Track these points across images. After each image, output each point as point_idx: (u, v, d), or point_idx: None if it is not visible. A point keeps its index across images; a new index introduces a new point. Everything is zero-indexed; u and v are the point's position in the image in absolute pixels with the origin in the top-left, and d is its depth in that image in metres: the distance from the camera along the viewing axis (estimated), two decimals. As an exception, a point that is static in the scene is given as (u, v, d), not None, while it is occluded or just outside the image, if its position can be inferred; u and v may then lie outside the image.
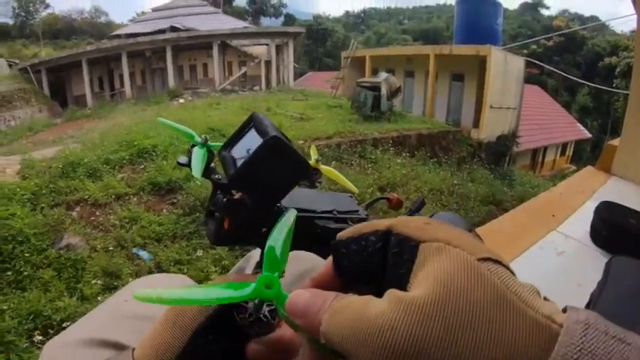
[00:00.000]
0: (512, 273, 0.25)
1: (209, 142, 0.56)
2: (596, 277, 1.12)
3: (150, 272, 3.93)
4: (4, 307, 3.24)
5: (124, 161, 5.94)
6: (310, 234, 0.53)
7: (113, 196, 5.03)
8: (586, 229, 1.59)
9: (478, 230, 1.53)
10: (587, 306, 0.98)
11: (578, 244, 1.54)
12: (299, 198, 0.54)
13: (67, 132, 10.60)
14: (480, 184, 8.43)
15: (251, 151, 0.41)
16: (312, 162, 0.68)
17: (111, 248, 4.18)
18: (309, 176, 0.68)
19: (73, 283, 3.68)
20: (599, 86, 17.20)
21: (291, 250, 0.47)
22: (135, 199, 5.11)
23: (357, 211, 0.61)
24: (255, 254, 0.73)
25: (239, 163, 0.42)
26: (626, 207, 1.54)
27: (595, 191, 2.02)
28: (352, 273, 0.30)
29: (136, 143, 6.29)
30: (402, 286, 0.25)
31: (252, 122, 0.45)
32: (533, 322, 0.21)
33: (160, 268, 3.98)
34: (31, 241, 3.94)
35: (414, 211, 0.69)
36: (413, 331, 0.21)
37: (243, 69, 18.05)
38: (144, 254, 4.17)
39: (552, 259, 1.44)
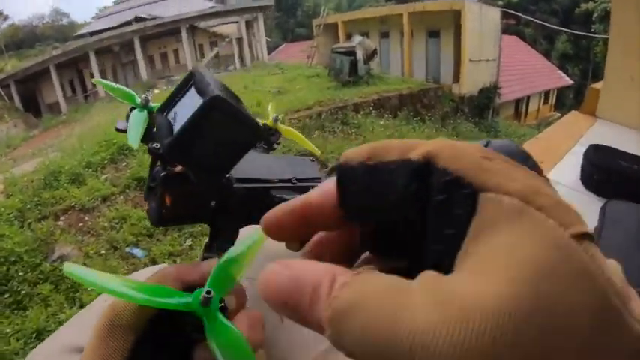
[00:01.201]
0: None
1: (151, 104, 0.46)
2: (591, 223, 1.10)
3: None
4: (8, 330, 3.23)
5: (106, 161, 5.84)
6: (266, 208, 0.46)
7: (99, 199, 4.96)
8: (576, 175, 1.57)
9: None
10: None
11: (568, 191, 1.51)
12: (251, 166, 0.46)
13: (45, 142, 10.38)
14: (465, 139, 8.40)
15: (189, 114, 0.33)
16: (269, 122, 0.60)
17: (104, 251, 4.15)
18: (266, 139, 0.59)
19: (71, 293, 3.66)
20: (578, 32, 17.15)
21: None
22: (121, 197, 5.04)
23: (319, 178, 0.51)
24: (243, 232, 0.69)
25: (176, 129, 0.35)
26: (616, 149, 1.52)
27: (582, 135, 2.00)
28: (363, 218, 0.20)
29: (115, 142, 6.16)
30: (450, 254, 0.16)
31: (191, 79, 0.37)
32: (632, 339, 0.13)
33: (154, 263, 3.96)
34: (24, 258, 3.90)
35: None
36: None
37: (215, 50, 17.67)
38: (137, 252, 4.15)
39: (545, 208, 1.42)
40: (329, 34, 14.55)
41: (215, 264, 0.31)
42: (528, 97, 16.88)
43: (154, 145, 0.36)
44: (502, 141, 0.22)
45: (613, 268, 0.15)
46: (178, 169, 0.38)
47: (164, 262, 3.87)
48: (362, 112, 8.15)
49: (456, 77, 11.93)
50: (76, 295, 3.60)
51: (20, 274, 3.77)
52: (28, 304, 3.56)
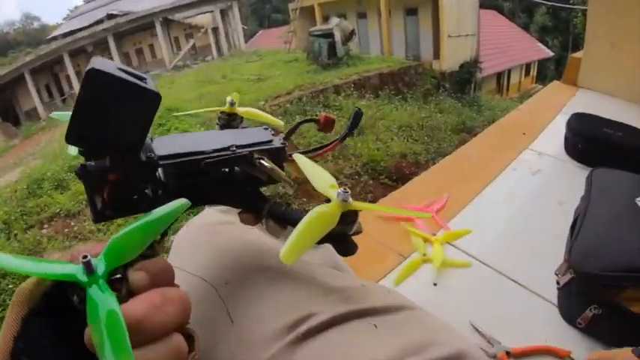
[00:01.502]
0: None
1: None
2: (577, 192, 1.09)
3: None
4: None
5: (88, 164, 5.77)
6: (203, 182, 0.43)
7: (84, 202, 4.89)
8: (560, 144, 1.56)
9: (449, 157, 1.48)
10: (574, 225, 0.95)
11: (553, 160, 1.51)
12: (182, 142, 0.43)
13: (26, 150, 10.19)
14: (448, 114, 8.43)
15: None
16: (226, 107, 0.58)
17: (93, 256, 4.11)
18: (228, 125, 0.57)
19: (64, 300, 3.63)
20: (556, 4, 17.14)
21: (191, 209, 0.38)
22: (107, 200, 5.00)
23: (271, 141, 0.48)
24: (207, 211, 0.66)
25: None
26: (598, 116, 1.51)
27: (564, 105, 2.00)
28: None
29: (94, 142, 6.10)
30: None
31: (89, 67, 0.33)
32: None
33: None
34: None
35: (351, 128, 0.60)
36: None
37: (191, 41, 17.38)
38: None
39: (529, 179, 1.41)
40: (305, 17, 14.37)
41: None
42: (509, 71, 16.92)
43: (71, 148, 0.35)
44: None
45: None
46: (92, 162, 0.35)
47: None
48: (343, 94, 8.09)
49: (436, 54, 11.89)
50: (68, 302, 3.57)
51: (10, 287, 3.71)
52: (21, 316, 3.52)
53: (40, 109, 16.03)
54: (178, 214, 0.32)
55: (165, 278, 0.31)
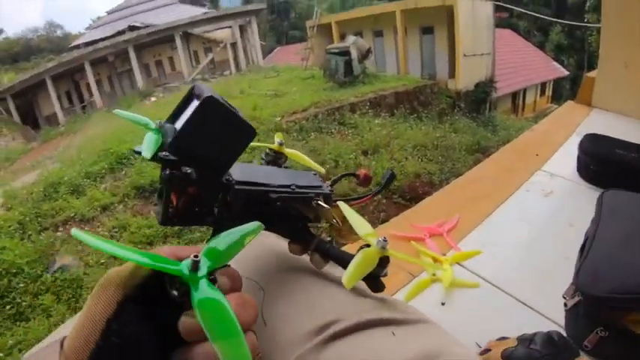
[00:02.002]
0: None
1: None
2: (588, 214, 1.08)
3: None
4: (11, 342, 3.23)
5: (104, 171, 5.86)
6: (267, 210, 0.48)
7: (99, 208, 4.98)
8: (572, 166, 1.55)
9: (462, 178, 1.49)
10: (583, 246, 0.95)
11: (565, 182, 1.50)
12: (253, 172, 0.50)
13: (43, 154, 10.40)
14: (463, 134, 8.42)
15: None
16: (275, 146, 0.64)
17: (104, 260, 4.15)
18: (274, 162, 0.64)
19: (73, 303, 3.66)
20: (571, 22, 17.10)
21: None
22: (121, 206, 5.05)
23: (321, 186, 0.56)
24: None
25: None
26: (611, 138, 1.50)
27: (578, 125, 1.99)
28: None
29: (113, 151, 6.19)
30: None
31: (192, 91, 0.41)
32: None
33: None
34: (25, 270, 3.91)
35: (384, 186, 0.64)
36: None
37: (210, 56, 17.66)
38: (137, 260, 4.15)
39: (540, 201, 1.40)
40: (323, 35, 14.54)
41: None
42: (525, 90, 16.84)
43: (163, 154, 0.40)
44: None
45: None
46: (182, 170, 0.40)
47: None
48: (358, 112, 8.13)
49: (452, 73, 11.91)
50: (77, 305, 3.61)
51: (21, 285, 3.77)
52: (30, 315, 3.57)
53: (60, 114, 16.36)
54: (256, 233, 0.36)
55: (238, 284, 0.35)
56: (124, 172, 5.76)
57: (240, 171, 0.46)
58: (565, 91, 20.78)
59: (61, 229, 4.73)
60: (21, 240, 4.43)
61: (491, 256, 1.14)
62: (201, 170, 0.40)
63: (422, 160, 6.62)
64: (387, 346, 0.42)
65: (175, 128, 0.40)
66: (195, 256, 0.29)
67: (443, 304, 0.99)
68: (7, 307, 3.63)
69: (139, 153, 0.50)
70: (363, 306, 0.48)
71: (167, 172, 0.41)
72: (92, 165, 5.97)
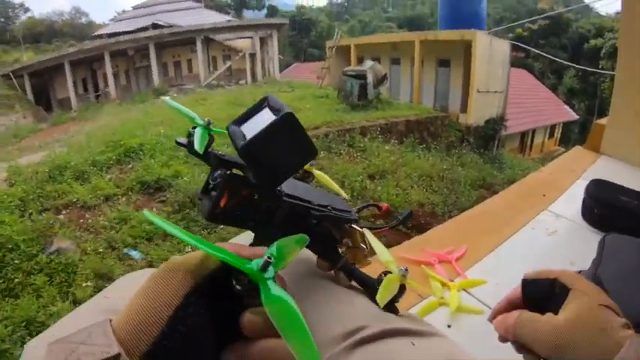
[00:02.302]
0: (616, 310, 0.42)
1: (211, 126, 0.56)
2: (589, 255, 1.11)
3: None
4: (-3, 317, 3.19)
5: (112, 162, 5.88)
6: (304, 225, 0.52)
7: (102, 198, 4.99)
8: (577, 208, 1.59)
9: (471, 210, 1.52)
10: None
11: (569, 223, 1.53)
12: (295, 187, 0.53)
13: (53, 136, 10.44)
14: (469, 169, 8.46)
15: (263, 125, 0.40)
16: (306, 166, 0.68)
17: (101, 250, 4.14)
18: (303, 179, 0.68)
19: (65, 287, 3.64)
20: (586, 68, 17.26)
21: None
22: (124, 199, 5.06)
23: (350, 212, 0.60)
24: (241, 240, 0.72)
25: (248, 136, 0.42)
26: (617, 184, 1.54)
27: (585, 170, 2.02)
28: (534, 301, 0.48)
29: (122, 143, 6.22)
30: (558, 307, 0.44)
31: (265, 102, 0.45)
32: (612, 343, 0.38)
33: (151, 267, 3.94)
34: (20, 247, 3.89)
35: (402, 222, 0.69)
36: (564, 338, 0.40)
37: (228, 63, 17.88)
38: (135, 254, 4.13)
39: (544, 239, 1.44)
40: (341, 56, 14.71)
41: (265, 249, 0.33)
42: (534, 131, 16.95)
43: (219, 152, 0.45)
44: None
45: (618, 317, 0.41)
46: (241, 173, 0.44)
47: (161, 266, 3.87)
48: (368, 136, 8.20)
49: (464, 107, 12.01)
50: (69, 290, 3.59)
51: (16, 262, 3.75)
52: (21, 293, 3.54)
53: (74, 100, 16.51)
54: (304, 245, 0.38)
55: (285, 287, 0.37)
56: (130, 165, 5.79)
57: (286, 184, 0.48)
58: (574, 134, 20.89)
59: (64, 212, 4.73)
60: (20, 217, 4.41)
61: (496, 286, 1.18)
62: (261, 178, 0.43)
63: (427, 190, 6.65)
64: (408, 355, 0.47)
65: (244, 133, 0.43)
66: (269, 257, 0.31)
67: (449, 326, 1.03)
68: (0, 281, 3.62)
69: (181, 144, 0.55)
70: (386, 316, 0.52)
71: (227, 171, 0.44)
72: (100, 154, 5.99)
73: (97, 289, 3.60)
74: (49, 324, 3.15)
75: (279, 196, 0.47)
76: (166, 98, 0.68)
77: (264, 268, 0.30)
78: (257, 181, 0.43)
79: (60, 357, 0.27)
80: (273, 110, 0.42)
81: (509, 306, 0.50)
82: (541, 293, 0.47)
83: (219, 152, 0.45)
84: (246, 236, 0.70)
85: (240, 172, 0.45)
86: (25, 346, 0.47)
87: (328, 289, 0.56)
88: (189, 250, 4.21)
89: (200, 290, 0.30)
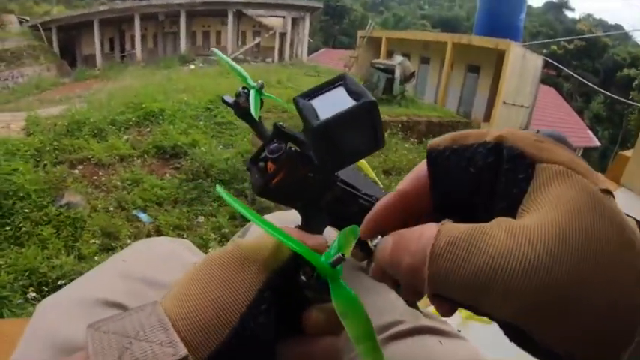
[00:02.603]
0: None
1: (263, 90, 0.55)
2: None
3: (148, 235, 3.93)
4: (1, 262, 3.25)
5: (130, 123, 5.92)
6: (348, 212, 0.49)
7: (117, 157, 5.03)
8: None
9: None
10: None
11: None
12: (348, 172, 0.50)
13: (74, 91, 10.53)
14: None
15: (342, 108, 0.37)
16: None
17: (111, 209, 4.18)
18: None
19: (71, 242, 3.69)
20: (615, 96, 16.93)
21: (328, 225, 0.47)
22: (139, 161, 5.10)
23: None
24: (253, 227, 0.70)
25: (321, 114, 0.38)
26: (635, 219, 1.51)
27: (604, 200, 1.99)
28: (450, 193, 0.27)
29: (143, 106, 6.25)
30: (513, 208, 0.23)
31: (340, 81, 0.41)
32: None
33: (159, 232, 3.99)
34: (31, 197, 3.94)
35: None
36: (542, 270, 0.20)
37: (257, 39, 17.82)
38: (144, 217, 4.17)
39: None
40: (371, 47, 14.58)
41: (324, 238, 0.32)
42: (553, 152, 16.72)
43: (280, 124, 0.43)
44: (550, 130, 0.26)
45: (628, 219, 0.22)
46: (307, 151, 0.41)
47: (168, 233, 3.90)
48: (388, 132, 8.14)
49: (487, 116, 11.87)
50: (75, 245, 3.63)
51: (25, 211, 3.80)
52: (27, 242, 3.59)
53: (99, 58, 16.59)
54: (357, 236, 0.34)
55: None
56: (149, 129, 5.81)
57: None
58: (593, 161, 20.59)
59: (78, 167, 4.78)
60: (35, 167, 4.46)
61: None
62: (326, 161, 0.41)
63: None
64: (438, 353, 0.47)
65: (315, 110, 0.39)
66: (342, 254, 0.28)
67: (459, 331, 1.04)
68: (7, 227, 3.66)
69: (227, 103, 0.53)
70: (416, 312, 0.52)
71: (288, 147, 0.42)
72: (119, 114, 6.03)
73: (103, 248, 3.65)
74: (51, 276, 3.22)
75: (335, 180, 0.46)
76: (216, 50, 0.67)
77: (336, 263, 0.28)
78: (320, 163, 0.41)
79: (112, 354, 0.24)
80: (351, 93, 0.39)
81: (401, 208, 0.30)
82: (472, 177, 0.26)
83: (280, 123, 0.42)
84: (285, 215, 0.69)
85: (296, 148, 0.42)
86: (39, 304, 0.47)
87: (364, 280, 0.55)
88: (200, 220, 4.25)
89: (273, 284, 0.28)
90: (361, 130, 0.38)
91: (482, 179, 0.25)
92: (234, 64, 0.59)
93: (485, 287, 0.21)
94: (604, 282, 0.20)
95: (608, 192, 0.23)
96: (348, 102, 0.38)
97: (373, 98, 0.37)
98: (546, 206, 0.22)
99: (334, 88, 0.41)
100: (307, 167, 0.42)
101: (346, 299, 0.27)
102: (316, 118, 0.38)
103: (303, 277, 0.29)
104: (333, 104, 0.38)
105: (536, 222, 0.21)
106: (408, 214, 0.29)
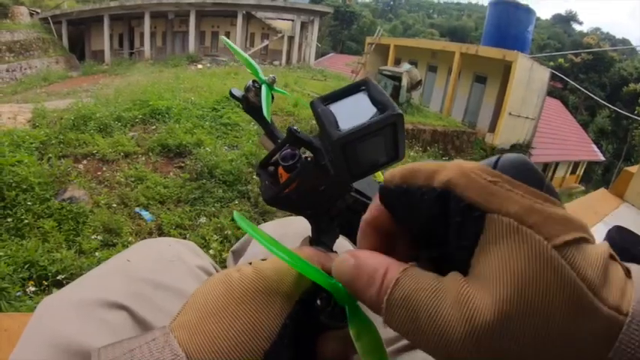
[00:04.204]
0: (589, 238, 0.22)
1: (274, 85, 0.52)
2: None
3: (150, 233, 3.93)
4: (1, 254, 3.23)
5: (136, 120, 5.93)
6: (353, 220, 0.46)
7: (122, 154, 5.03)
8: (595, 252, 1.56)
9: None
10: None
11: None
12: (363, 181, 0.48)
13: (81, 85, 10.56)
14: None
15: (364, 118, 0.35)
16: None
17: (114, 205, 4.18)
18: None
19: (72, 236, 3.68)
20: (621, 111, 16.91)
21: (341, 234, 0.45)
22: (143, 158, 5.10)
23: None
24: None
25: (341, 123, 0.36)
26: (638, 235, 1.51)
27: (607, 215, 1.98)
28: (405, 225, 0.27)
29: (149, 103, 6.27)
30: (465, 259, 0.22)
31: (363, 86, 0.38)
32: (603, 318, 0.19)
33: (160, 230, 3.98)
34: (35, 189, 3.93)
35: None
36: (480, 346, 0.20)
37: (266, 42, 17.89)
38: (146, 214, 4.17)
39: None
40: (378, 54, 14.63)
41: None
42: (557, 164, 16.70)
43: (295, 128, 0.39)
44: (512, 156, 0.23)
45: (595, 256, 0.20)
46: (324, 161, 0.39)
47: (170, 232, 3.90)
48: (394, 139, 8.15)
49: (493, 127, 11.88)
50: (76, 239, 3.62)
51: (28, 203, 3.80)
52: (28, 234, 3.57)
53: (107, 53, 16.68)
54: None
55: None
56: (154, 126, 5.82)
57: None
58: (596, 175, 20.58)
59: (84, 162, 4.79)
60: (39, 160, 4.45)
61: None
62: (343, 171, 0.38)
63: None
64: None
65: (335, 117, 0.37)
66: None
67: None
68: (9, 219, 3.66)
69: (236, 97, 0.50)
70: None
71: (303, 155, 0.40)
72: (126, 110, 6.04)
73: (104, 244, 3.65)
74: (51, 269, 3.21)
75: (349, 190, 0.44)
76: (224, 38, 0.63)
77: None
78: (336, 174, 0.38)
79: None
80: (376, 102, 0.36)
81: (376, 233, 0.28)
82: (420, 218, 0.25)
83: (295, 127, 0.39)
84: (292, 221, 0.68)
85: (310, 155, 0.40)
86: (41, 302, 0.46)
87: None
88: (202, 220, 4.25)
89: (295, 316, 0.28)
90: (384, 142, 0.36)
91: (429, 222, 0.24)
92: (244, 53, 0.56)
93: (431, 349, 0.22)
94: (557, 355, 0.20)
95: (569, 243, 0.20)
96: (371, 112, 0.35)
97: (399, 111, 0.35)
98: (494, 271, 0.20)
99: (356, 93, 0.38)
100: (322, 178, 0.39)
101: (362, 324, 0.27)
102: (336, 127, 0.35)
103: (318, 302, 0.29)
104: (354, 113, 0.36)
105: (482, 292, 0.20)
106: (386, 234, 0.28)
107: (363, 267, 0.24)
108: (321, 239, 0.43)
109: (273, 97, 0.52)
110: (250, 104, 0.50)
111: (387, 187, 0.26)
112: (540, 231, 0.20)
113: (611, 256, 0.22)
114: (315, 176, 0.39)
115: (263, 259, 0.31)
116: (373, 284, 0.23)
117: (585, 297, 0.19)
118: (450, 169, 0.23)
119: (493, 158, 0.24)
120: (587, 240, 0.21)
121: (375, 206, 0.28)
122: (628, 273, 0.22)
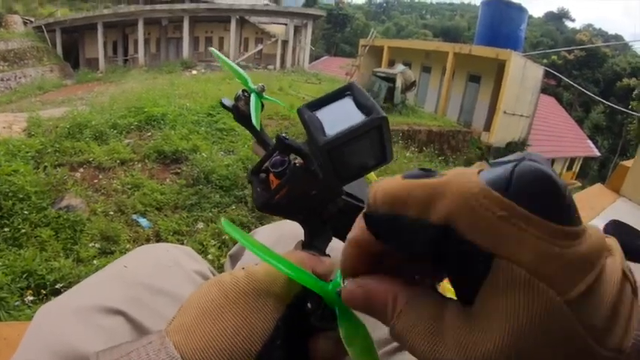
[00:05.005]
0: (604, 266, 0.19)
1: (264, 94, 0.52)
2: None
3: (148, 240, 3.93)
4: (-2, 263, 3.23)
5: (132, 127, 5.93)
6: (351, 222, 0.49)
7: (118, 161, 5.03)
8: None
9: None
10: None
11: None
12: (355, 183, 0.48)
13: (76, 93, 10.54)
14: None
15: (350, 123, 0.35)
16: None
17: (111, 213, 4.17)
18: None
19: (70, 245, 3.67)
20: (615, 106, 16.97)
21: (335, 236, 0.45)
22: (139, 165, 5.10)
23: None
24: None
25: (327, 128, 0.36)
26: (635, 229, 1.52)
27: (603, 209, 1.99)
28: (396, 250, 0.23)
29: (145, 110, 6.26)
30: (468, 295, 0.20)
31: (348, 91, 0.39)
32: None
33: (158, 237, 3.98)
34: (31, 198, 3.93)
35: None
36: None
37: (260, 46, 17.89)
38: (143, 221, 4.16)
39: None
40: (372, 56, 14.65)
41: (336, 263, 0.31)
42: (553, 160, 16.75)
43: (283, 135, 0.40)
44: (530, 172, 0.19)
45: (607, 296, 0.19)
46: (313, 167, 0.39)
47: (168, 238, 3.90)
48: (389, 140, 8.17)
49: (488, 125, 11.91)
50: (74, 248, 3.62)
51: (25, 212, 3.79)
52: (25, 243, 3.57)
53: (102, 60, 16.65)
54: None
55: None
56: (150, 133, 5.82)
57: None
58: (592, 171, 20.64)
59: (81, 170, 4.78)
60: (35, 169, 4.45)
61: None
62: (331, 176, 0.38)
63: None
64: None
65: (322, 123, 0.38)
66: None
67: None
68: (6, 228, 3.65)
69: (226, 107, 0.51)
70: None
71: (292, 162, 0.40)
72: (121, 118, 6.04)
73: (102, 252, 3.64)
74: (49, 278, 3.21)
75: (339, 193, 0.44)
76: (215, 50, 0.65)
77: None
78: (326, 178, 0.39)
79: None
80: (361, 107, 0.37)
81: (363, 255, 0.25)
82: (412, 249, 0.22)
83: (284, 135, 0.40)
84: (285, 225, 0.68)
85: (300, 161, 0.40)
86: (39, 309, 0.46)
87: None
88: (200, 226, 4.24)
89: (286, 318, 0.29)
90: (370, 146, 0.36)
91: (429, 254, 0.21)
92: (233, 64, 0.57)
93: None
94: None
95: (584, 294, 0.18)
96: (357, 116, 0.36)
97: (384, 114, 0.36)
98: (499, 320, 0.19)
99: (341, 98, 0.39)
100: (312, 183, 0.40)
101: (352, 326, 0.27)
102: (323, 133, 0.36)
103: (309, 305, 0.30)
104: (340, 118, 0.37)
105: (484, 337, 0.19)
106: (372, 254, 0.25)
107: (373, 299, 0.24)
108: (313, 243, 0.43)
109: (263, 105, 0.52)
110: (241, 113, 0.51)
111: (374, 213, 0.22)
112: (554, 283, 0.18)
113: (624, 274, 0.20)
114: (305, 181, 0.40)
115: (256, 264, 0.31)
116: (385, 316, 0.23)
117: (588, 347, 0.18)
118: (449, 198, 0.19)
119: (506, 172, 0.19)
120: (602, 271, 0.19)
121: (359, 227, 0.24)
122: (635, 290, 0.20)
